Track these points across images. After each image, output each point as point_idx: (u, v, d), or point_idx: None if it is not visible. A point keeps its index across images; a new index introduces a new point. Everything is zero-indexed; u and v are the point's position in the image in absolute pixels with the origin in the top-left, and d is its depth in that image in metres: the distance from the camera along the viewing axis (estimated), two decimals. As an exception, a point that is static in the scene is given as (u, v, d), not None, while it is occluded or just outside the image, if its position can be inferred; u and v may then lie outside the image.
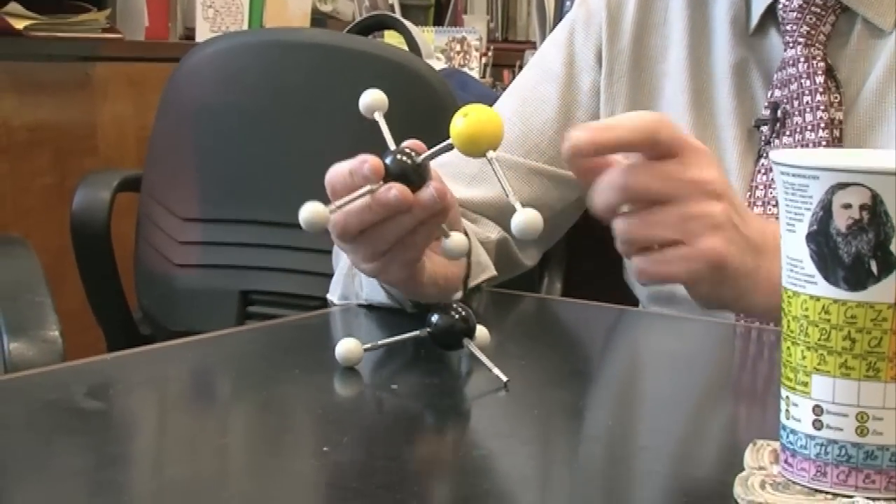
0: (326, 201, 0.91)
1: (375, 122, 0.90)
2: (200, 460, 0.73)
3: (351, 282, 1.07)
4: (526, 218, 0.79)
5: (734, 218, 0.86)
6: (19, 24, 2.46)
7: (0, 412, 0.80)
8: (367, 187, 0.86)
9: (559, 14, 3.02)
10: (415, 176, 0.88)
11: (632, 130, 0.82)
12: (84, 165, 2.49)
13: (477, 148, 0.83)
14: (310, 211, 0.83)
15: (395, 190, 0.86)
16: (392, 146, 0.90)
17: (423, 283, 0.96)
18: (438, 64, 3.12)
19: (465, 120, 0.82)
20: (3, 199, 2.46)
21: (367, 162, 0.87)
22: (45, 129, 2.53)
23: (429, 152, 0.89)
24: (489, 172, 1.19)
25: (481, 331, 0.92)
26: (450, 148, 0.84)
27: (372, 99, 0.90)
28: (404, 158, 0.88)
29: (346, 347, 0.89)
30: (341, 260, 1.09)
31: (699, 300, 0.88)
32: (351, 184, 0.89)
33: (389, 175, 0.87)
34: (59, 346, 1.41)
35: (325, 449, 0.75)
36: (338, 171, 0.90)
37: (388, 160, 0.88)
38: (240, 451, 0.76)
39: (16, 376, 0.91)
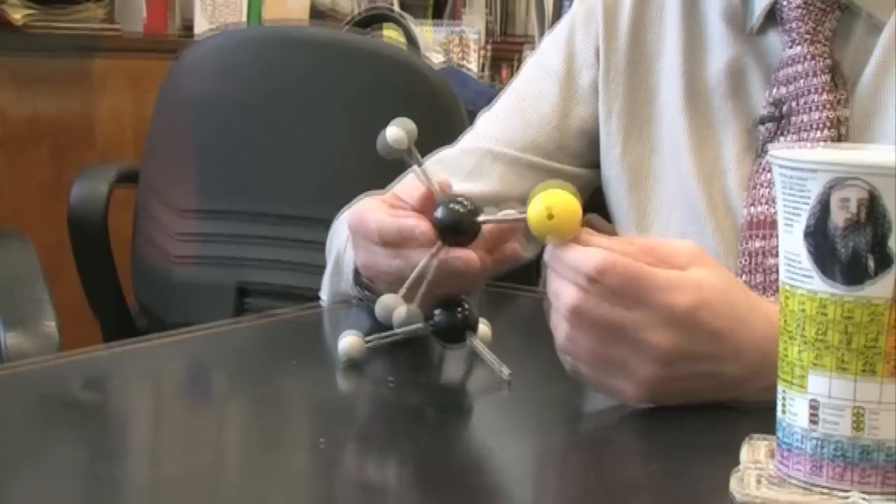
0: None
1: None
2: (197, 454, 0.73)
3: (338, 282, 1.08)
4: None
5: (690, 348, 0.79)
6: (17, 17, 2.46)
7: (-4, 404, 0.80)
8: (429, 255, 0.86)
9: (558, 10, 3.02)
10: (469, 230, 0.86)
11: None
12: (82, 159, 2.48)
13: (558, 239, 0.80)
14: (348, 344, 0.86)
15: (461, 261, 0.86)
16: (429, 180, 0.87)
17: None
18: (437, 59, 3.12)
19: (554, 220, 0.79)
20: (1, 192, 2.46)
21: (417, 228, 0.86)
22: (43, 123, 2.53)
23: (496, 219, 0.87)
24: (485, 168, 1.19)
25: (483, 326, 0.92)
26: (521, 220, 0.82)
27: (400, 133, 0.87)
28: (458, 208, 0.85)
29: (349, 342, 0.88)
30: (330, 259, 1.10)
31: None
32: (401, 241, 0.89)
33: (443, 228, 0.86)
34: (55, 339, 1.40)
35: (321, 443, 0.75)
36: (387, 225, 0.89)
37: (440, 212, 0.85)
38: (236, 445, 0.76)
39: (12, 368, 0.91)
